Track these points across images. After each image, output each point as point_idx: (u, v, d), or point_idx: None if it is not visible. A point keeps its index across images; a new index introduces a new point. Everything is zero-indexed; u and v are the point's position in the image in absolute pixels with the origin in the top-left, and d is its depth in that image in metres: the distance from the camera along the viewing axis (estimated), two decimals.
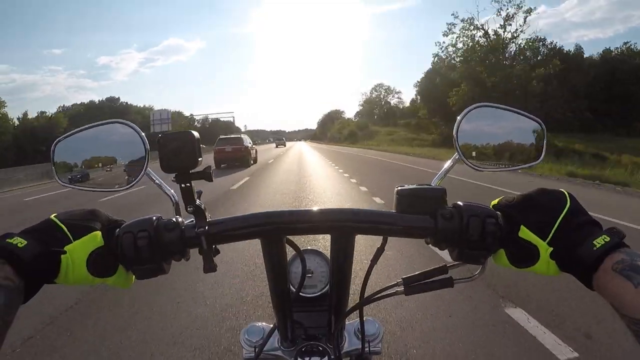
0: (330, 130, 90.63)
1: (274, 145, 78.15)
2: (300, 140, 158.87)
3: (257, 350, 0.64)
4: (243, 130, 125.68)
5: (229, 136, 20.32)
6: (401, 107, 79.75)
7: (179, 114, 71.04)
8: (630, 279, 0.39)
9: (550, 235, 0.45)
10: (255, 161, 19.94)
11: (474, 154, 0.58)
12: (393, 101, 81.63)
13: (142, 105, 66.39)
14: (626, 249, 0.42)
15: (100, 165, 0.55)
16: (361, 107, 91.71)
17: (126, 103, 52.78)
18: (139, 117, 53.27)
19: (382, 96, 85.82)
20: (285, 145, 68.68)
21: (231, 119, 72.11)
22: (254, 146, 20.65)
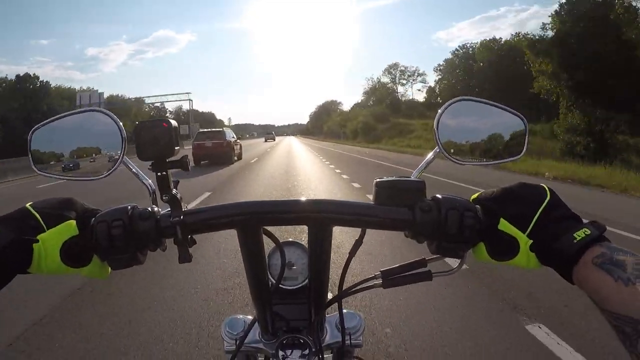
0: (327, 123, 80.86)
1: (261, 140, 76.83)
2: (290, 135, 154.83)
3: (238, 342, 0.64)
4: (227, 123, 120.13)
5: (209, 130, 18.34)
6: (424, 93, 66.73)
7: (137, 100, 66.23)
8: (610, 273, 0.39)
9: (530, 227, 0.45)
10: (239, 157, 18.37)
11: (454, 147, 0.58)
12: (416, 87, 71.19)
13: (68, 87, 60.18)
14: (606, 243, 0.42)
15: (85, 155, 0.55)
16: (364, 97, 77.16)
17: (44, 82, 44.96)
18: (66, 102, 46.44)
19: (397, 80, 70.25)
20: (274, 140, 67.57)
21: (188, 103, 62.15)
22: (238, 141, 18.94)
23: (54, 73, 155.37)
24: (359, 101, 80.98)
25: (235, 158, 17.37)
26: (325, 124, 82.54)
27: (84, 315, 2.77)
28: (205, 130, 18.71)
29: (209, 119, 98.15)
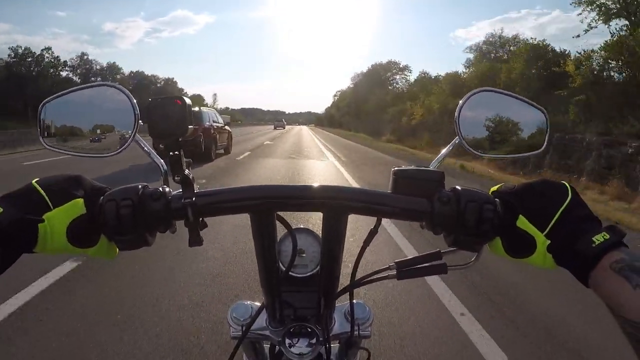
0: (367, 106, 46.75)
1: (268, 127, 71.05)
2: (302, 124, 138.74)
3: (244, 328, 0.63)
4: (211, 104, 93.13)
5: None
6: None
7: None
8: (628, 279, 0.38)
9: (549, 227, 0.44)
10: (227, 151, 13.62)
11: (474, 139, 0.57)
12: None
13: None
14: (625, 249, 0.41)
15: (99, 131, 0.53)
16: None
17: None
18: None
19: None
20: (284, 128, 62.89)
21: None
22: (226, 127, 13.67)
23: (69, 46, 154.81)
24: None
25: (222, 151, 13.04)
26: (364, 106, 48.57)
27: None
28: None
29: (196, 103, 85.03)
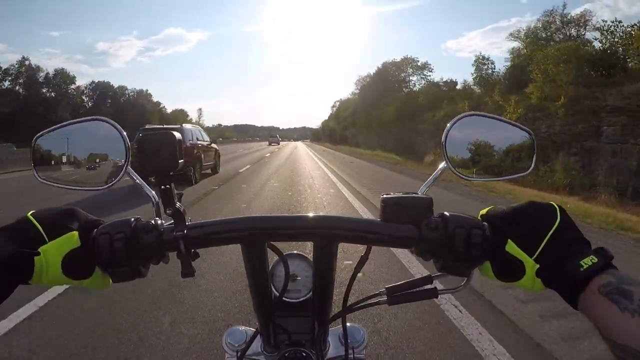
0: (386, 110, 36.29)
1: (261, 143, 68.25)
2: (297, 140, 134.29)
3: (239, 354, 0.64)
4: (196, 120, 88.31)
5: (156, 127, 12.99)
6: None
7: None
8: (616, 303, 0.38)
9: (538, 252, 0.44)
10: (215, 170, 12.58)
11: (462, 162, 0.57)
12: None
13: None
14: (613, 271, 0.42)
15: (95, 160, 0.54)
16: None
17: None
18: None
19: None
20: (279, 144, 60.83)
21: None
22: (213, 145, 12.66)
23: (63, 66, 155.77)
24: None
25: (209, 171, 12.00)
26: (377, 114, 38.78)
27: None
28: (151, 126, 13.36)
29: (176, 119, 65.86)
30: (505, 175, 0.60)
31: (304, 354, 0.59)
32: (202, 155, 10.83)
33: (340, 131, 60.34)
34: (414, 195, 0.50)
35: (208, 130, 13.86)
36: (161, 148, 0.48)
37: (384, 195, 0.50)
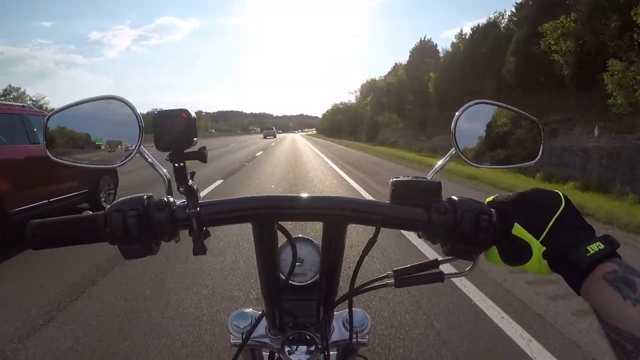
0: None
1: (254, 136, 57.48)
2: (296, 130, 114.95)
3: (244, 336, 0.64)
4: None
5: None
6: None
7: None
8: (619, 291, 0.39)
9: (544, 234, 0.45)
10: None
11: (470, 150, 0.58)
12: None
13: None
14: (618, 260, 0.43)
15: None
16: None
17: None
18: None
19: None
20: (275, 137, 52.76)
21: None
22: None
23: (56, 56, 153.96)
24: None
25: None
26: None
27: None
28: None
29: None
30: (514, 163, 0.60)
31: (308, 337, 0.60)
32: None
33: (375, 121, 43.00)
34: (423, 179, 0.51)
35: None
36: (176, 125, 0.49)
37: (394, 179, 0.51)
